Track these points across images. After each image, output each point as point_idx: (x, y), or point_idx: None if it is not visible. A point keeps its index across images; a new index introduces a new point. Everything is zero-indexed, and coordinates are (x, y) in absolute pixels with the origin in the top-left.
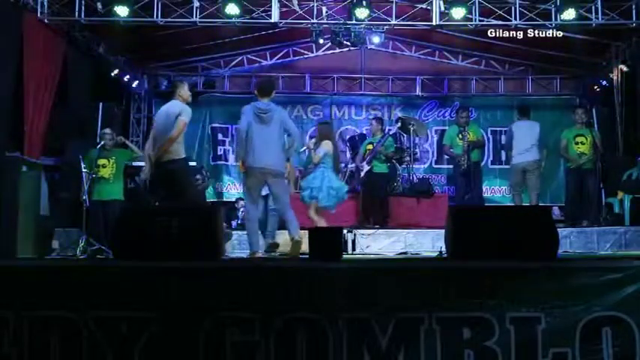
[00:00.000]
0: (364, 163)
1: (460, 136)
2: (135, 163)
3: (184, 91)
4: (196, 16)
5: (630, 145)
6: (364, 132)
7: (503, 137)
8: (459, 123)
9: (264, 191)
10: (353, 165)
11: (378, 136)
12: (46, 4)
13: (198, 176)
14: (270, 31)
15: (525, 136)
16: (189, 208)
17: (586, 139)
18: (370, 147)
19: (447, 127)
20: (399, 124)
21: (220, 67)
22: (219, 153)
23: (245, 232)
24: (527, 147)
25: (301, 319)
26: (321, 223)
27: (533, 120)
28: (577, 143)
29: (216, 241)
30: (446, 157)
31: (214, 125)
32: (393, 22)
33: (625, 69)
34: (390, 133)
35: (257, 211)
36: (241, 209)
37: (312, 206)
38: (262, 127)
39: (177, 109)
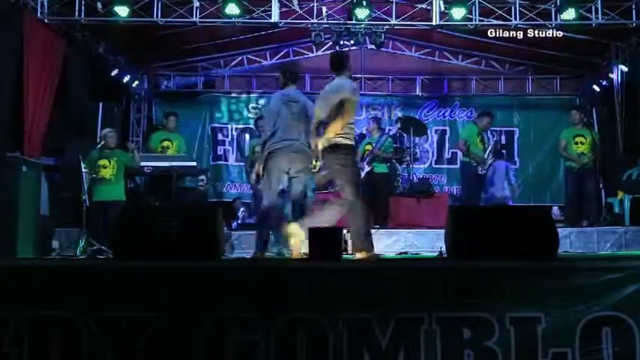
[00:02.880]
0: (364, 163)
1: (480, 138)
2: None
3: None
4: (196, 16)
5: (630, 145)
6: (364, 132)
7: (503, 137)
8: (483, 126)
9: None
10: None
11: (376, 136)
12: (46, 4)
13: (202, 177)
14: (270, 31)
15: (502, 175)
16: (189, 208)
17: (585, 139)
18: (369, 147)
19: (447, 127)
20: (399, 125)
21: (220, 67)
22: (219, 153)
23: (244, 232)
24: (504, 185)
25: (301, 319)
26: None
27: (533, 118)
28: (577, 143)
29: (216, 241)
30: (447, 155)
31: (214, 125)
32: (393, 22)
33: (625, 69)
34: (390, 133)
35: (274, 207)
36: (241, 209)
37: None
38: (290, 116)
39: (344, 85)
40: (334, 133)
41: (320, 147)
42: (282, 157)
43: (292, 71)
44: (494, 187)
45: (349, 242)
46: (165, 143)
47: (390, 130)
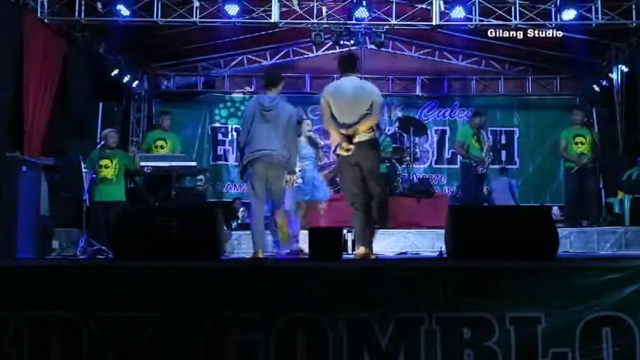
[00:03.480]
0: None
1: (475, 138)
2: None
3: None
4: (196, 16)
5: (630, 145)
6: None
7: (503, 137)
8: (475, 126)
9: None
10: None
11: None
12: (46, 4)
13: (201, 177)
14: (270, 31)
15: (504, 192)
16: (189, 208)
17: (585, 138)
18: None
19: (447, 127)
20: (398, 124)
21: (220, 67)
22: (219, 153)
23: (244, 232)
24: (508, 199)
25: (301, 319)
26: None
27: (533, 118)
28: (577, 143)
29: (216, 241)
30: (447, 156)
31: (214, 125)
32: (393, 22)
33: (625, 69)
34: (388, 133)
35: (262, 209)
36: (241, 209)
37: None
38: (264, 125)
39: (371, 88)
40: (367, 129)
41: (356, 140)
42: (259, 164)
43: (271, 76)
44: (497, 193)
45: (349, 242)
46: (160, 142)
47: (388, 129)
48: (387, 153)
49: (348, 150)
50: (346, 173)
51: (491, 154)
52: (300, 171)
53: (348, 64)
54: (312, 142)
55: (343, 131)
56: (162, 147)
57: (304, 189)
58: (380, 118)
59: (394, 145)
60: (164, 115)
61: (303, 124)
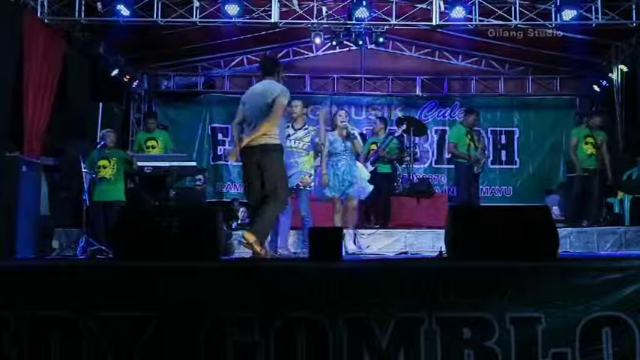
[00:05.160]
0: (368, 163)
1: (469, 137)
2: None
3: (282, 72)
4: (196, 16)
5: (630, 145)
6: (364, 132)
7: (503, 137)
8: (469, 124)
9: None
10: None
11: (382, 136)
12: (46, 4)
13: (200, 176)
14: (270, 31)
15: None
16: (189, 208)
17: (594, 139)
18: (374, 147)
19: (447, 127)
20: (404, 126)
21: (220, 67)
22: (219, 153)
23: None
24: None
25: (301, 319)
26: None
27: (533, 118)
28: (587, 144)
29: (215, 241)
30: (447, 156)
31: (214, 125)
32: (393, 22)
33: (625, 69)
34: (395, 135)
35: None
36: (241, 210)
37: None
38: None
39: (276, 87)
40: (265, 131)
41: (254, 143)
42: None
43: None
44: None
45: (349, 241)
46: (150, 142)
47: (394, 131)
48: (392, 154)
49: (233, 156)
50: (251, 171)
51: (487, 152)
52: (317, 167)
53: (267, 68)
54: (348, 135)
55: (244, 138)
56: (153, 147)
57: (332, 186)
58: (279, 118)
59: (398, 146)
60: (149, 118)
61: (336, 117)
